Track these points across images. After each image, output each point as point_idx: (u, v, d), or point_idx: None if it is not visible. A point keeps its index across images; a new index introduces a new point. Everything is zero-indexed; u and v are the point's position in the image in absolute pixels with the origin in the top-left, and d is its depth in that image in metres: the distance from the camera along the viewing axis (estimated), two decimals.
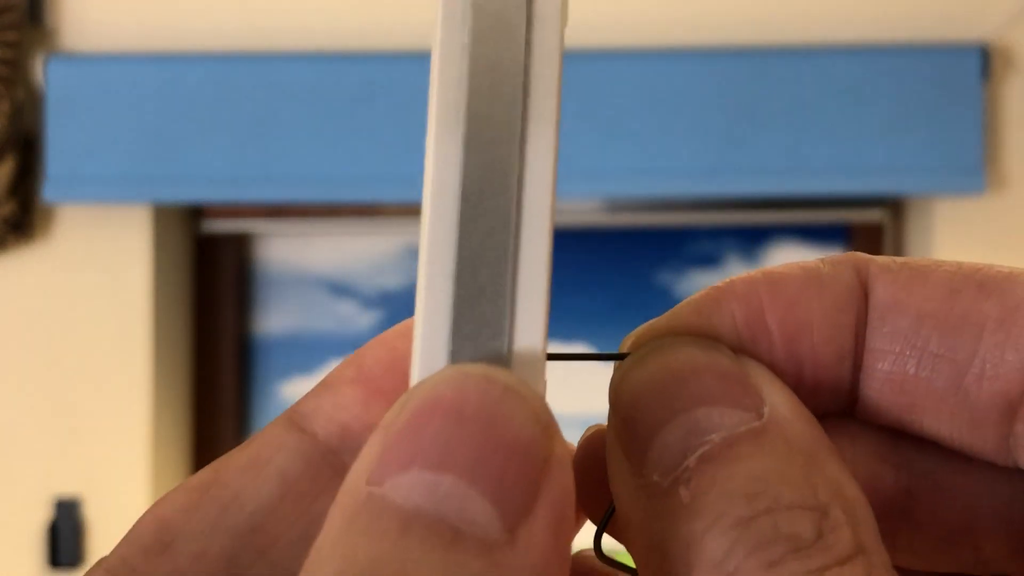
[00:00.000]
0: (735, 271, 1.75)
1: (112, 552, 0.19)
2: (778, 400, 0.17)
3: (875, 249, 1.74)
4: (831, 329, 0.19)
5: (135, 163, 1.57)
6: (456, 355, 0.17)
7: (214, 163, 1.57)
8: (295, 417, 0.20)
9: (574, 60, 1.55)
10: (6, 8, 1.58)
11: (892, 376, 0.19)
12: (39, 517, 1.60)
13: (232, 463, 0.19)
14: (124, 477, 1.61)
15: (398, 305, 1.78)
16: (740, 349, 0.19)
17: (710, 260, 1.71)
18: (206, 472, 0.19)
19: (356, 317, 1.78)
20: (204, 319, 1.77)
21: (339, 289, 1.78)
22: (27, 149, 1.61)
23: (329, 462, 0.19)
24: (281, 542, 0.19)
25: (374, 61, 1.58)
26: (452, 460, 0.15)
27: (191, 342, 1.76)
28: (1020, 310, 0.19)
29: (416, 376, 0.17)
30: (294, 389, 1.78)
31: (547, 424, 0.15)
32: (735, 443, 0.17)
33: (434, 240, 0.17)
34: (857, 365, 0.19)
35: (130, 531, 0.19)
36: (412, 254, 1.78)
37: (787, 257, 1.76)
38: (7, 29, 1.58)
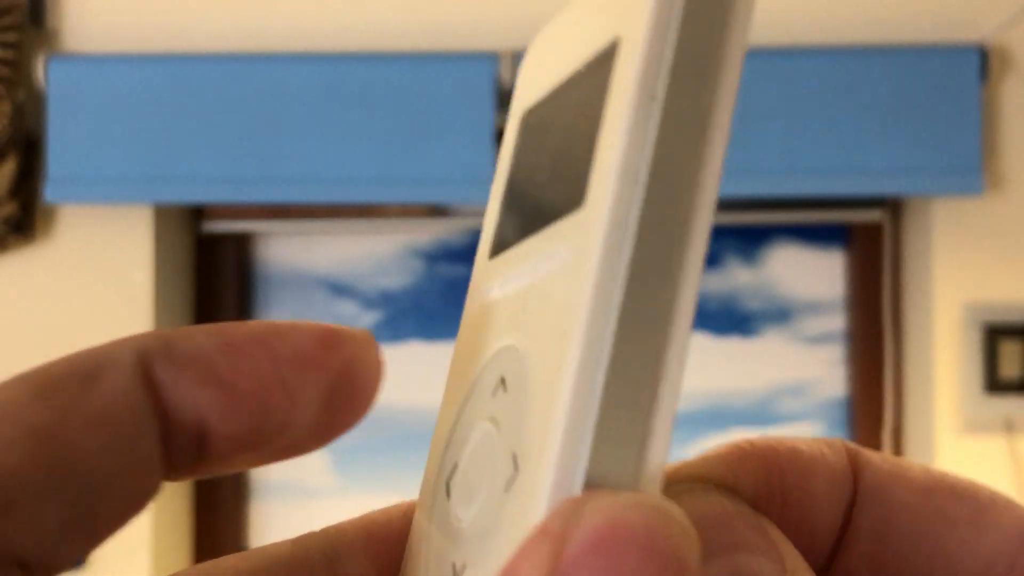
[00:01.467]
0: (735, 271, 1.76)
1: None
2: (792, 555, 0.19)
3: (874, 249, 1.74)
4: (828, 504, 0.21)
5: (136, 163, 1.58)
6: (595, 462, 0.17)
7: (214, 163, 1.57)
8: (150, 379, 0.18)
9: None
10: (7, 9, 1.59)
11: (871, 555, 0.21)
12: None
13: (77, 410, 0.17)
14: None
15: (398, 305, 1.78)
16: (755, 505, 0.20)
17: (710, 260, 1.72)
18: (42, 405, 0.17)
19: (356, 317, 1.78)
20: (205, 319, 1.77)
21: (339, 289, 1.79)
22: (28, 150, 1.61)
23: (170, 454, 0.18)
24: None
25: (374, 61, 1.58)
26: None
27: None
28: (986, 512, 0.21)
29: (551, 480, 0.17)
30: None
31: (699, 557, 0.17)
32: None
33: (587, 351, 0.17)
34: (839, 540, 0.22)
35: None
36: (412, 254, 1.79)
37: (787, 257, 1.77)
38: (8, 30, 1.59)
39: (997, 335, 1.59)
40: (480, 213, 1.72)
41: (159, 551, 1.61)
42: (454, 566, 0.20)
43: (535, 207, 0.21)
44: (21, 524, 0.16)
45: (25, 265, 1.62)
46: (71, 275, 1.63)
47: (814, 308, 1.77)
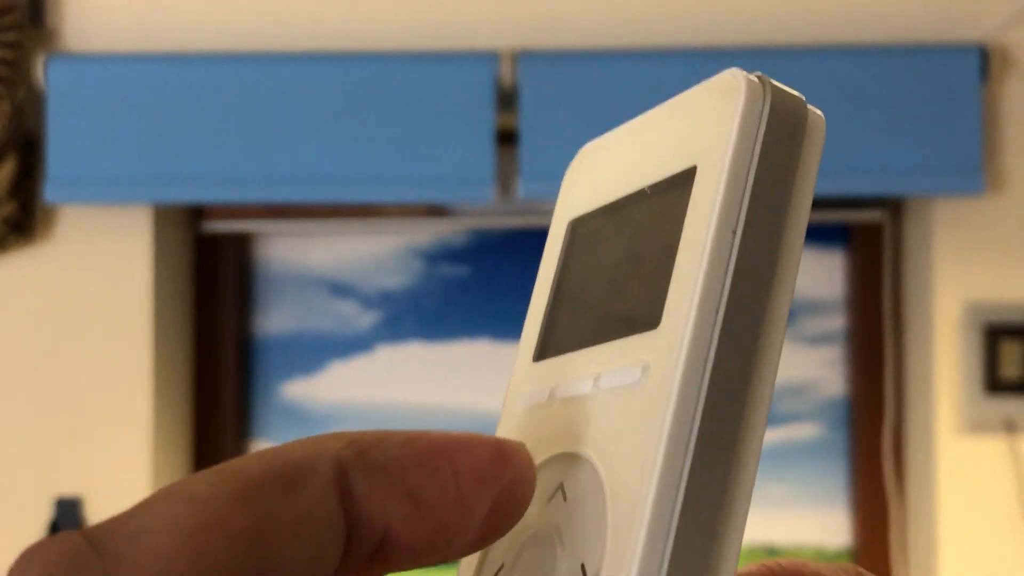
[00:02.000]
0: None
1: None
2: None
3: (875, 249, 1.74)
4: None
5: (136, 163, 1.58)
6: None
7: (214, 163, 1.57)
8: (345, 490, 0.18)
9: (570, 59, 1.56)
10: (7, 8, 1.58)
11: None
12: (40, 517, 1.61)
13: (279, 518, 0.17)
14: (125, 477, 1.61)
15: (398, 305, 1.78)
16: None
17: None
18: (246, 511, 0.17)
19: (356, 317, 1.78)
20: (205, 319, 1.77)
21: (339, 289, 1.78)
22: (28, 149, 1.61)
23: (347, 556, 0.19)
24: None
25: (374, 61, 1.58)
26: None
27: (192, 342, 1.76)
28: None
29: None
30: (294, 389, 1.78)
31: None
32: None
33: (666, 476, 0.18)
34: None
35: (164, 570, 0.16)
36: (412, 254, 1.79)
37: None
38: (8, 29, 1.59)
39: (998, 335, 1.59)
40: (480, 213, 1.73)
41: None
42: None
43: (594, 318, 0.22)
44: None
45: (25, 265, 1.62)
46: (71, 275, 1.63)
47: (814, 308, 1.77)
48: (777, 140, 0.19)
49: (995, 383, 1.59)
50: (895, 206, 1.72)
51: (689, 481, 0.18)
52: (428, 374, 1.76)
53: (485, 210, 1.72)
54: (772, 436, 1.76)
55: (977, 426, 1.59)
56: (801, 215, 0.20)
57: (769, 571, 0.22)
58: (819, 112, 0.20)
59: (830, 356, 1.77)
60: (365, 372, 1.77)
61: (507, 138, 1.57)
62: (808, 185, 0.20)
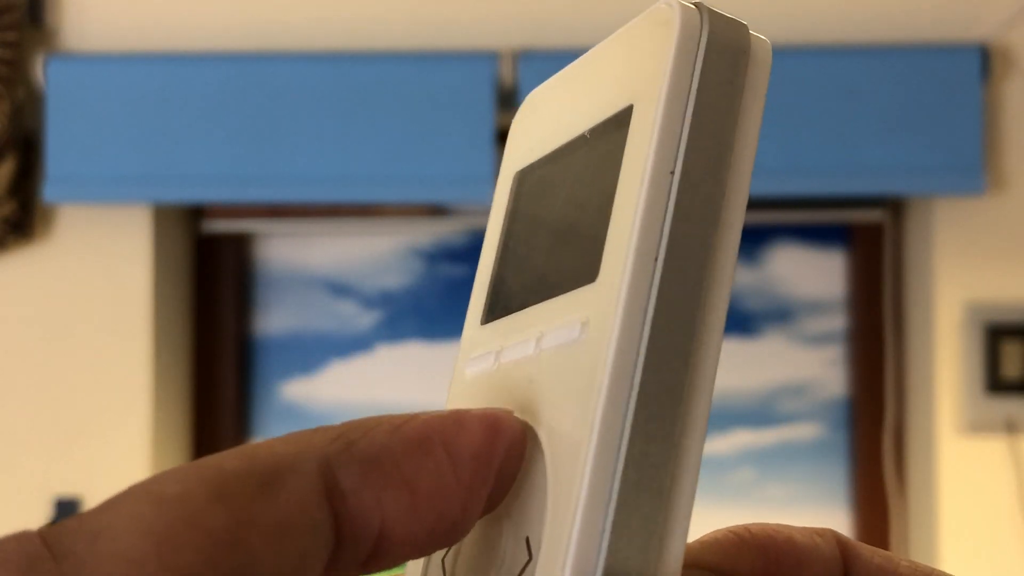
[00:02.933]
0: (736, 271, 1.75)
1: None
2: None
3: (875, 249, 1.74)
4: None
5: (135, 163, 1.57)
6: (612, 555, 0.17)
7: (214, 163, 1.57)
8: (331, 484, 0.17)
9: (570, 59, 1.55)
10: (6, 8, 1.58)
11: None
12: (40, 517, 1.60)
13: (257, 518, 0.16)
14: (124, 477, 1.61)
15: (398, 305, 1.78)
16: None
17: None
18: (220, 509, 0.16)
19: (356, 317, 1.78)
20: (204, 319, 1.77)
21: (339, 289, 1.78)
22: (27, 149, 1.61)
23: (336, 557, 0.17)
24: None
25: (374, 61, 1.58)
26: None
27: (191, 342, 1.76)
28: None
29: (570, 569, 0.17)
30: (294, 389, 1.78)
31: None
32: None
33: (605, 437, 0.17)
34: None
35: (129, 572, 0.15)
36: (412, 254, 1.79)
37: (787, 257, 1.76)
38: (7, 29, 1.59)
39: (998, 335, 1.59)
40: (480, 213, 1.72)
41: None
42: None
43: (536, 275, 0.21)
44: None
45: (24, 265, 1.62)
46: (70, 275, 1.63)
47: (814, 308, 1.77)
48: (717, 72, 0.18)
49: (996, 383, 1.59)
50: (895, 206, 1.72)
51: (631, 440, 0.17)
52: (428, 374, 1.76)
53: (485, 210, 1.71)
54: (772, 436, 1.75)
55: (977, 426, 1.59)
56: (747, 151, 0.18)
57: (737, 537, 0.21)
58: (764, 39, 0.19)
59: (830, 356, 1.76)
60: (365, 372, 1.77)
61: (507, 138, 1.57)
62: (754, 118, 0.18)
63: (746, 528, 0.21)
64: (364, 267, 1.78)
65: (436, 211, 1.74)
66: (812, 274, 1.77)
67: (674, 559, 0.17)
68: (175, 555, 0.15)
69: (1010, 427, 1.58)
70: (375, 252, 1.78)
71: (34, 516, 1.60)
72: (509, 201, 0.23)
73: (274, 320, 1.78)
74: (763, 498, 1.72)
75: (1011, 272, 1.60)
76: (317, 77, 1.58)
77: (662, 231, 0.17)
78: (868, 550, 0.23)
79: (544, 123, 0.23)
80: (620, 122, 0.19)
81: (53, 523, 0.16)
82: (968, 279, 1.60)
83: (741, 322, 1.75)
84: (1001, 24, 1.58)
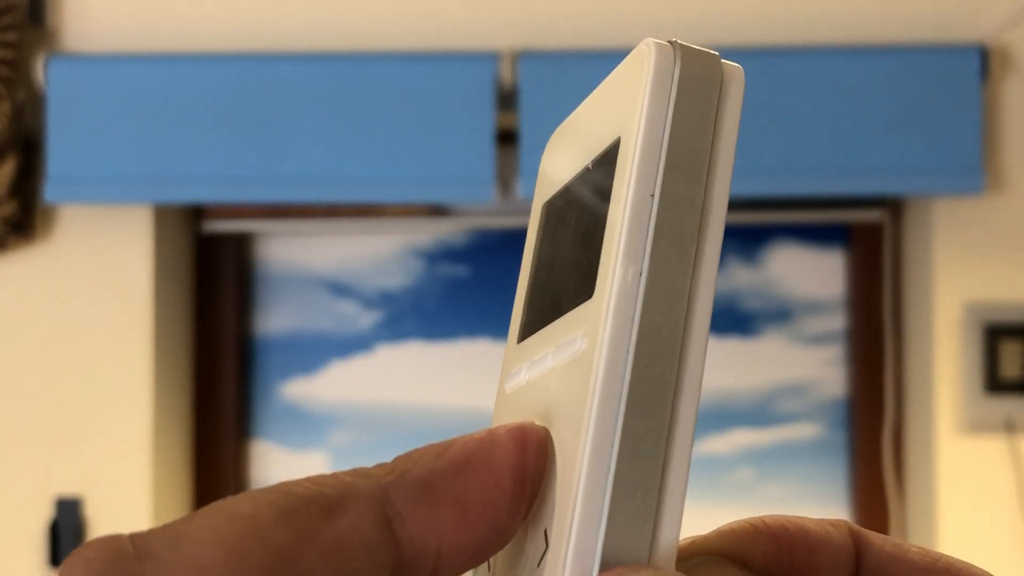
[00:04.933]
0: (735, 271, 1.75)
1: None
2: None
3: (874, 249, 1.74)
4: None
5: (136, 163, 1.58)
6: (610, 539, 0.18)
7: (214, 163, 1.57)
8: (390, 511, 0.19)
9: (570, 59, 1.56)
10: (7, 8, 1.58)
11: None
12: (40, 517, 1.61)
13: (318, 537, 0.18)
14: (125, 477, 1.61)
15: (398, 305, 1.78)
16: None
17: None
18: (285, 528, 0.18)
19: (356, 317, 1.78)
20: (205, 319, 1.77)
21: (339, 289, 1.78)
22: (28, 149, 1.61)
23: (383, 565, 0.19)
24: None
25: (374, 61, 1.58)
26: None
27: (192, 342, 1.76)
28: None
29: (571, 554, 0.18)
30: (294, 389, 1.78)
31: None
32: None
33: (599, 434, 0.19)
34: None
35: (198, 572, 0.17)
36: (412, 254, 1.79)
37: (787, 257, 1.77)
38: (8, 29, 1.59)
39: (998, 335, 1.59)
40: (480, 213, 1.73)
41: None
42: None
43: (555, 295, 0.23)
44: None
45: (25, 265, 1.62)
46: (71, 275, 1.63)
47: (814, 308, 1.77)
48: (690, 101, 0.20)
49: (995, 383, 1.59)
50: (895, 206, 1.72)
51: (623, 436, 0.18)
52: (428, 374, 1.76)
53: (485, 210, 1.72)
54: (772, 436, 1.76)
55: (977, 426, 1.59)
56: (724, 170, 0.20)
57: (752, 527, 0.22)
58: (736, 65, 0.21)
59: (830, 356, 1.76)
60: (365, 372, 1.77)
61: (507, 138, 1.57)
62: (729, 141, 0.20)
63: (760, 519, 0.22)
64: (364, 267, 1.79)
65: (436, 211, 1.74)
66: (812, 274, 1.77)
67: (668, 542, 0.19)
68: (240, 564, 0.17)
69: (1009, 427, 1.59)
70: (375, 252, 1.78)
71: (34, 516, 1.61)
72: (538, 230, 0.26)
73: (274, 320, 1.79)
74: (762, 498, 1.73)
75: (1010, 272, 1.61)
76: (317, 77, 1.58)
77: (645, 246, 0.19)
78: (879, 538, 0.23)
79: (562, 157, 0.26)
80: (611, 153, 0.21)
81: (138, 532, 0.18)
82: (967, 279, 1.61)
83: (741, 322, 1.75)
84: (1000, 24, 1.58)
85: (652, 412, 0.19)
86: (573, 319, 0.21)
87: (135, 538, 0.18)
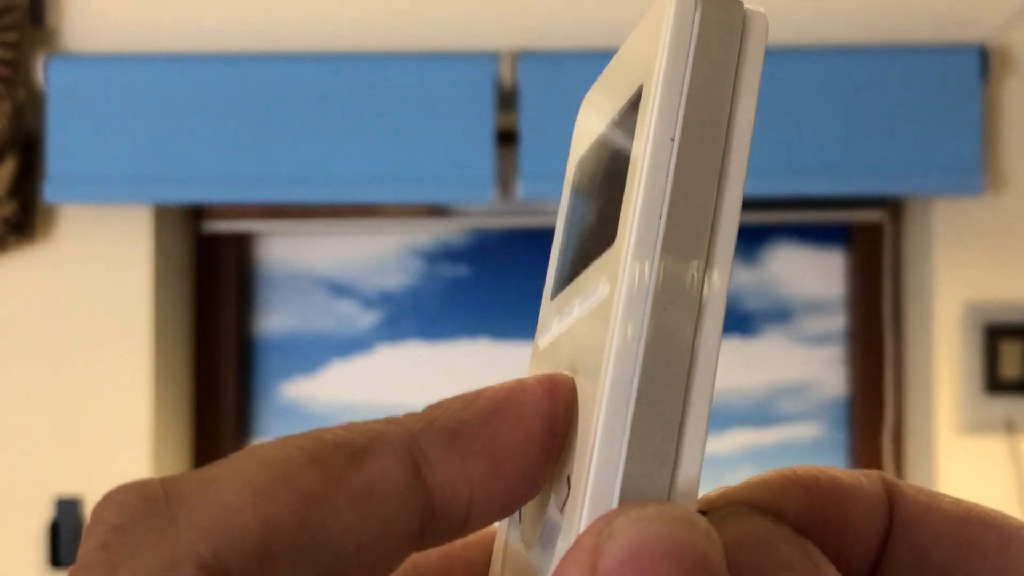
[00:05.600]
0: (735, 271, 1.75)
1: (202, 535, 0.17)
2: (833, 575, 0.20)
3: (874, 249, 1.74)
4: (865, 532, 0.22)
5: (136, 163, 1.58)
6: (628, 481, 0.18)
7: (214, 163, 1.57)
8: (419, 458, 0.19)
9: (570, 59, 1.56)
10: (7, 8, 1.58)
11: None
12: (40, 516, 1.61)
13: (346, 482, 0.18)
14: (125, 476, 1.60)
15: (398, 305, 1.78)
16: (797, 530, 0.21)
17: None
18: (314, 472, 0.18)
19: (356, 317, 1.78)
20: (205, 319, 1.77)
21: (339, 289, 1.79)
22: (28, 149, 1.61)
23: (426, 528, 0.19)
24: None
25: (374, 61, 1.58)
26: None
27: (192, 342, 1.76)
28: (1013, 541, 0.22)
29: (589, 495, 0.18)
30: (294, 389, 1.78)
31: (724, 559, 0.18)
32: None
33: (617, 376, 0.19)
34: (874, 566, 0.23)
35: (227, 517, 0.17)
36: (412, 254, 1.79)
37: (787, 257, 1.77)
38: (8, 29, 1.59)
39: (997, 335, 1.59)
40: (480, 213, 1.73)
41: None
42: None
43: (584, 249, 0.23)
44: None
45: (25, 265, 1.62)
46: (71, 275, 1.63)
47: (814, 308, 1.77)
48: (711, 45, 0.20)
49: (995, 383, 1.59)
50: (895, 206, 1.72)
51: (641, 376, 0.18)
52: (428, 374, 1.76)
53: (485, 210, 1.72)
54: (772, 436, 1.76)
55: (977, 426, 1.59)
56: (745, 117, 0.20)
57: (783, 477, 0.22)
58: (760, 11, 0.20)
59: (830, 356, 1.77)
60: (365, 372, 1.77)
61: (507, 138, 1.57)
62: (751, 85, 0.20)
63: (792, 469, 0.22)
64: (364, 267, 1.79)
65: (436, 211, 1.74)
66: (812, 274, 1.77)
67: (687, 484, 0.19)
68: (268, 506, 0.18)
69: (1009, 427, 1.59)
70: (375, 252, 1.78)
71: (34, 516, 1.60)
72: (571, 187, 0.26)
73: (274, 320, 1.79)
74: None
75: (1010, 272, 1.61)
76: (317, 77, 1.58)
77: (664, 191, 0.19)
78: (913, 488, 0.23)
79: (592, 112, 0.26)
80: (635, 102, 0.21)
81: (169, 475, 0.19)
82: (967, 279, 1.61)
83: (741, 322, 1.75)
84: (1000, 25, 1.58)
85: (669, 356, 0.19)
86: (597, 267, 0.21)
87: (165, 481, 0.18)
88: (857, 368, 1.75)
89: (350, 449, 0.19)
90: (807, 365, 1.76)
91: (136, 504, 0.18)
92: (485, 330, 1.77)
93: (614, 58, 0.24)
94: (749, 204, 1.46)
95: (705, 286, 0.19)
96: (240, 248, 1.78)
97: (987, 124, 1.59)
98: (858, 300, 1.75)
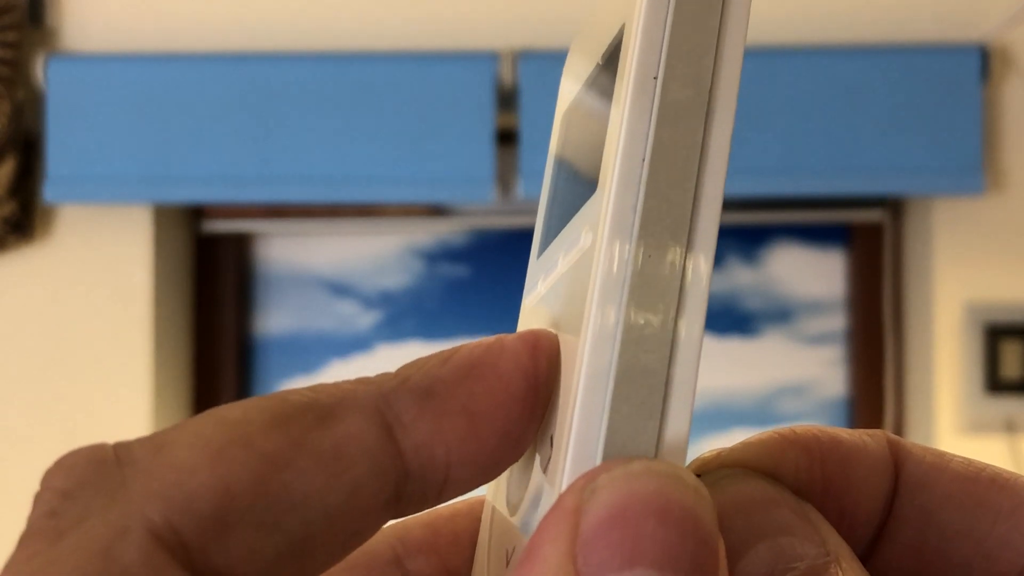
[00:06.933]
0: (735, 271, 1.75)
1: (153, 500, 0.16)
2: (834, 539, 0.19)
3: (875, 249, 1.74)
4: (869, 493, 0.21)
5: (135, 163, 1.58)
6: (611, 437, 0.17)
7: (214, 163, 1.57)
8: (391, 418, 0.18)
9: None
10: (6, 8, 1.58)
11: (913, 543, 0.22)
12: None
13: (311, 443, 0.17)
14: None
15: (398, 305, 1.78)
16: (796, 492, 0.21)
17: None
18: (277, 434, 0.17)
19: (356, 317, 1.78)
20: (204, 319, 1.77)
21: (339, 289, 1.78)
22: (28, 149, 1.61)
23: (402, 493, 0.18)
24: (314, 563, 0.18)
25: (374, 61, 1.58)
26: (675, 563, 0.16)
27: (191, 342, 1.76)
28: None
29: (571, 452, 0.17)
30: None
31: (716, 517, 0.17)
32: (816, 572, 0.19)
33: (599, 326, 0.17)
34: (880, 529, 0.22)
35: (181, 479, 0.16)
36: (412, 254, 1.79)
37: (787, 257, 1.77)
38: (8, 29, 1.59)
39: (998, 335, 1.59)
40: (480, 213, 1.73)
41: None
42: (507, 551, 0.20)
43: (568, 202, 0.22)
44: (237, 548, 0.16)
45: (24, 265, 1.62)
46: (70, 275, 1.63)
47: (814, 308, 1.77)
48: None
49: (995, 383, 1.59)
50: (895, 206, 1.72)
51: (625, 329, 0.17)
52: None
53: (485, 210, 1.72)
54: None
55: (977, 426, 1.59)
56: (732, 59, 0.19)
57: (782, 438, 0.21)
58: None
59: (830, 356, 1.76)
60: (365, 372, 1.76)
61: (507, 138, 1.57)
62: (738, 28, 0.19)
63: (791, 429, 0.21)
64: (364, 267, 1.79)
65: (436, 211, 1.74)
66: (812, 274, 1.77)
67: (675, 440, 0.17)
68: (226, 468, 0.16)
69: (1009, 427, 1.59)
70: (375, 252, 1.78)
71: None
72: (558, 143, 0.24)
73: (274, 320, 1.79)
74: None
75: (1010, 272, 1.61)
76: (317, 77, 1.58)
77: (647, 132, 0.18)
78: (920, 448, 0.22)
79: (577, 64, 0.24)
80: (618, 43, 0.19)
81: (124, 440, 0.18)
82: (967, 279, 1.61)
83: (741, 322, 1.75)
84: (1001, 24, 1.58)
85: (656, 303, 0.18)
86: (580, 217, 0.20)
87: (118, 446, 0.17)
88: (857, 368, 1.75)
89: (316, 410, 0.17)
90: (807, 365, 1.76)
91: (85, 469, 0.17)
92: (485, 330, 1.77)
93: (595, 4, 0.23)
94: (749, 204, 1.46)
95: (693, 227, 0.18)
96: (240, 248, 1.78)
97: (987, 124, 1.59)
98: (858, 300, 1.75)
